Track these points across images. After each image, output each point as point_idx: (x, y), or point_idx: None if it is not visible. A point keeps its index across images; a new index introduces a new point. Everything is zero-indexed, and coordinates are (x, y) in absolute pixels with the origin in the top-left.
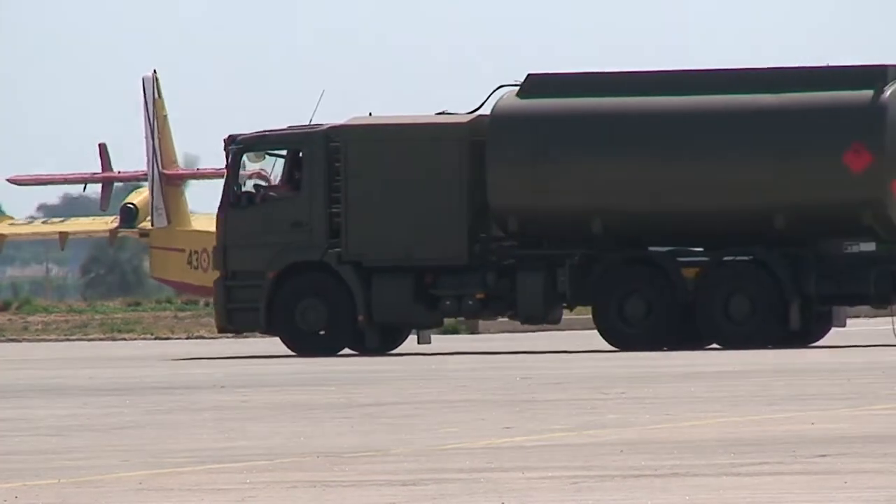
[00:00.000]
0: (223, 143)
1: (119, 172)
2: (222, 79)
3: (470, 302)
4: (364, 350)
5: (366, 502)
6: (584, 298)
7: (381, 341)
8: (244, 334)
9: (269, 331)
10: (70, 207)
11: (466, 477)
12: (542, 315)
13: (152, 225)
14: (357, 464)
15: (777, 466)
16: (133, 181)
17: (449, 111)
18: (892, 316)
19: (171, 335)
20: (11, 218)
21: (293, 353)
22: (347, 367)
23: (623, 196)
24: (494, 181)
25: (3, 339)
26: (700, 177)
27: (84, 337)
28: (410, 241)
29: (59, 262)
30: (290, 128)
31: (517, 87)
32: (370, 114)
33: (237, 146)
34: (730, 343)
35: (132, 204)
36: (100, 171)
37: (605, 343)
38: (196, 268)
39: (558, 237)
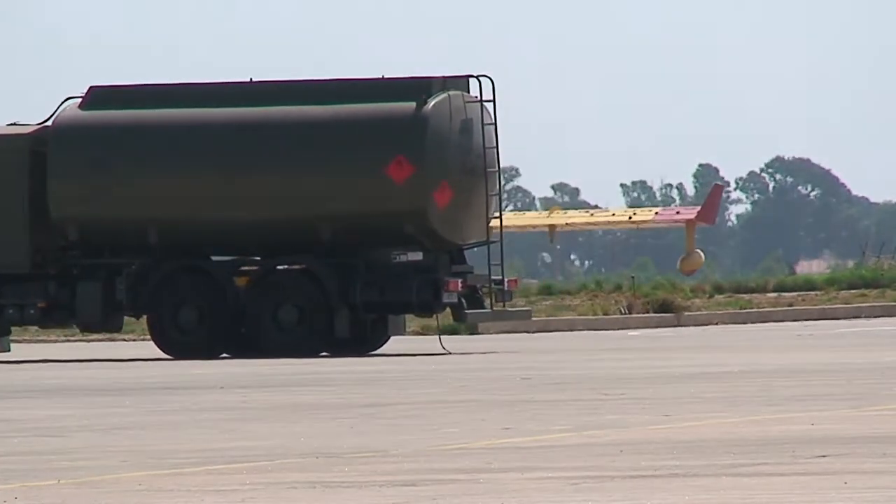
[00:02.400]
0: None
1: None
2: None
3: (32, 311)
4: None
5: (366, 502)
6: (141, 307)
7: None
8: None
9: None
10: None
11: (466, 477)
12: (100, 323)
13: None
14: (357, 464)
15: (777, 467)
16: None
17: (20, 122)
18: (438, 324)
19: None
20: None
21: None
22: (348, 367)
23: (176, 206)
24: (55, 191)
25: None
26: (251, 188)
27: (84, 337)
28: None
29: None
30: None
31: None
32: None
33: None
34: (279, 350)
35: None
36: None
37: (610, 344)
38: None
39: (118, 246)
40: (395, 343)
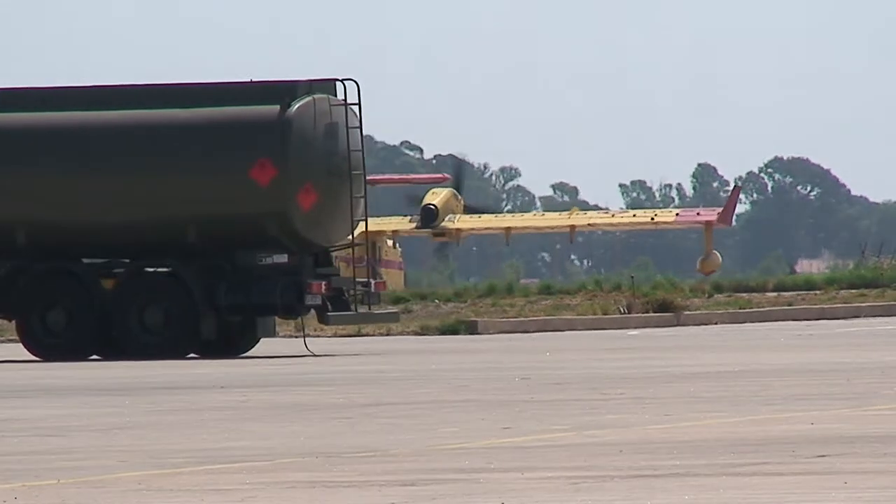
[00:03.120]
0: None
1: None
2: None
3: None
4: None
5: (366, 502)
6: (10, 309)
7: None
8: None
9: None
10: None
11: (466, 477)
12: None
13: None
14: (357, 464)
15: (777, 466)
16: None
17: None
18: (302, 326)
19: None
20: None
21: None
22: (348, 367)
23: (45, 208)
24: None
25: (3, 339)
26: (118, 191)
27: None
28: None
29: None
30: None
31: None
32: None
33: None
34: (145, 353)
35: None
36: None
37: (609, 344)
38: None
39: None
40: (265, 345)
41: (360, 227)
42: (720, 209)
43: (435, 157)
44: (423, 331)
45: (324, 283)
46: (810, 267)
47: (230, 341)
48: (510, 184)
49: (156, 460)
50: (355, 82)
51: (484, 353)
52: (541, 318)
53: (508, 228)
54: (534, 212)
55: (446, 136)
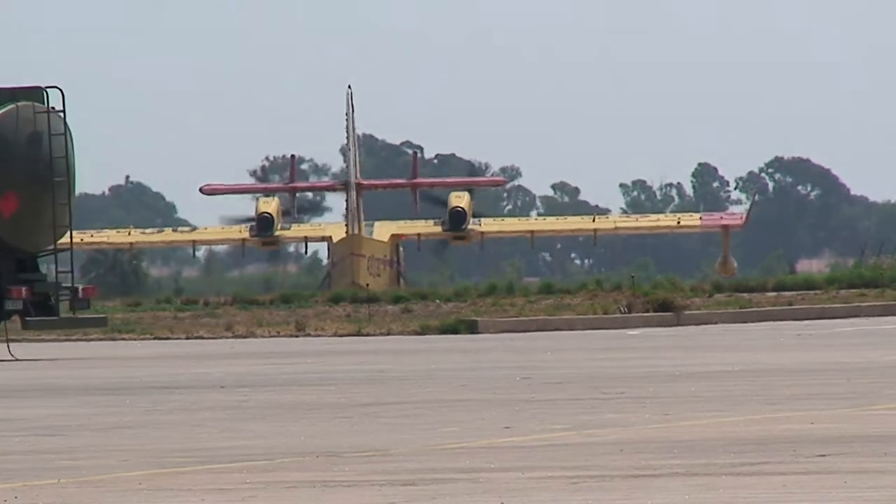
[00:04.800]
0: None
1: (310, 182)
2: None
3: None
4: None
5: (366, 502)
6: None
7: None
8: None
9: None
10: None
11: (466, 477)
12: None
13: (348, 232)
14: (357, 464)
15: (777, 466)
16: (322, 191)
17: None
18: (5, 331)
19: (170, 335)
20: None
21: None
22: (348, 367)
23: None
24: None
25: (3, 339)
26: None
27: (84, 337)
28: None
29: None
30: None
31: None
32: None
33: None
34: None
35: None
36: (289, 181)
37: (610, 343)
38: (371, 273)
39: None
40: None
41: (388, 231)
42: (744, 213)
43: (436, 156)
44: (423, 330)
45: (25, 288)
46: (810, 266)
47: None
48: (510, 184)
49: (156, 460)
50: (60, 90)
51: (484, 352)
52: (541, 318)
53: (532, 232)
54: (534, 213)
55: (447, 136)
